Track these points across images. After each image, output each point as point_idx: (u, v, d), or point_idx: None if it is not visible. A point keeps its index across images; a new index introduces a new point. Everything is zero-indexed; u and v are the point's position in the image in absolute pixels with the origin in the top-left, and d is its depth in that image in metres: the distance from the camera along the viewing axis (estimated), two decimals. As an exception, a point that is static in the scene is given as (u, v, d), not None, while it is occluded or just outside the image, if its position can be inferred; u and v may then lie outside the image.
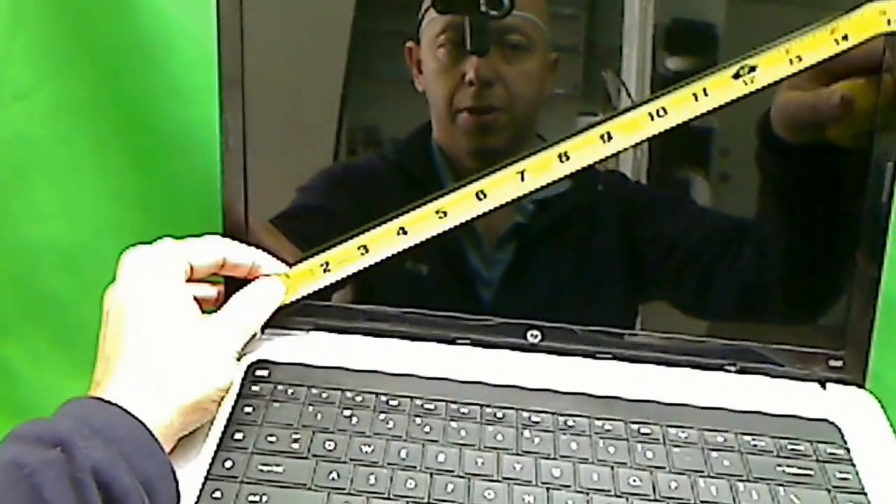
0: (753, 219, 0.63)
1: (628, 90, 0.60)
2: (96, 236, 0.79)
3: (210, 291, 0.63)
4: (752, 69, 0.57)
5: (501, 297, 0.65)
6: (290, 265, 0.63)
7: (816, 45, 0.57)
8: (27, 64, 0.74)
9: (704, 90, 0.58)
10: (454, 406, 0.58)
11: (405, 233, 0.62)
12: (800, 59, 0.57)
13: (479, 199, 0.61)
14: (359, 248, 0.62)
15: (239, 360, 0.59)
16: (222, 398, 0.56)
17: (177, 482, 0.49)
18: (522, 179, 0.60)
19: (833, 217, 0.61)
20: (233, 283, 0.62)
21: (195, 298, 0.58)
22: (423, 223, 0.62)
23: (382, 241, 0.62)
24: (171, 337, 0.54)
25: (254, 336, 0.61)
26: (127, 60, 0.73)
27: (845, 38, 0.56)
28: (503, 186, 0.60)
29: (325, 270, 0.63)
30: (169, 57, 0.73)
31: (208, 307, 0.61)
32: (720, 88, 0.58)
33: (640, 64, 0.60)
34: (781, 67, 0.57)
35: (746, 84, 0.57)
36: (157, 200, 0.78)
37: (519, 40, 0.61)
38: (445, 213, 0.61)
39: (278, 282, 0.62)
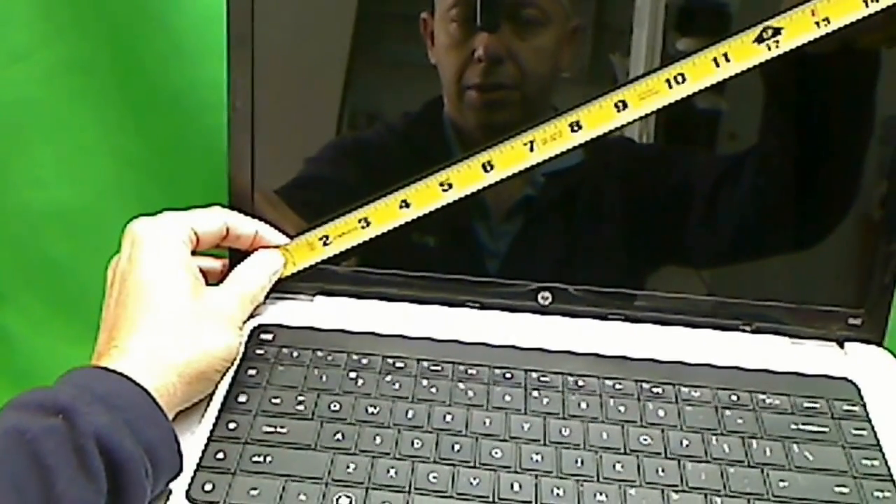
0: (756, 141, 0.61)
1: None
2: (97, 201, 0.78)
3: (215, 264, 0.63)
4: (777, 32, 0.55)
5: (506, 266, 0.64)
6: (292, 237, 0.63)
7: (845, 6, 0.54)
8: (27, 24, 0.73)
9: (725, 55, 0.56)
10: (461, 367, 0.58)
11: (408, 206, 0.61)
12: (827, 21, 0.54)
13: (486, 171, 0.59)
14: (360, 221, 0.61)
15: (241, 329, 0.58)
16: (227, 369, 0.56)
17: (180, 448, 0.49)
18: (532, 150, 0.59)
19: (844, 137, 0.60)
20: (237, 256, 0.62)
21: (200, 270, 0.58)
22: (427, 196, 0.61)
23: (384, 214, 0.61)
24: (175, 307, 0.54)
25: (257, 306, 0.61)
26: (131, 19, 0.72)
27: (876, -1, 0.54)
28: (511, 157, 0.59)
29: (324, 244, 0.62)
30: (175, 15, 0.72)
31: (213, 280, 0.61)
32: (742, 53, 0.56)
33: (650, 45, 0.58)
34: (807, 31, 0.55)
35: (770, 48, 0.55)
36: (161, 164, 0.77)
37: (534, 14, 0.60)
38: (450, 186, 0.60)
39: (278, 254, 0.62)
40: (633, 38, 0.59)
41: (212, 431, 0.53)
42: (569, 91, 0.61)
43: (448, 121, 0.62)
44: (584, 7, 0.60)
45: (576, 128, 0.58)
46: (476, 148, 0.60)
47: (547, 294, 0.63)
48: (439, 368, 0.58)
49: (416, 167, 0.61)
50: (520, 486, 0.50)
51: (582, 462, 0.52)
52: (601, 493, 0.50)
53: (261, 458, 0.51)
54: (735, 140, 0.61)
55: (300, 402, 0.55)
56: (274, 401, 0.55)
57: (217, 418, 0.54)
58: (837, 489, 0.51)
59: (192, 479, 0.50)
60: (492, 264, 0.64)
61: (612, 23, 0.60)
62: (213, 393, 0.55)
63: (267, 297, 0.62)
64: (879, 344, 0.61)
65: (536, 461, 0.52)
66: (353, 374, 0.57)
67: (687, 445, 0.53)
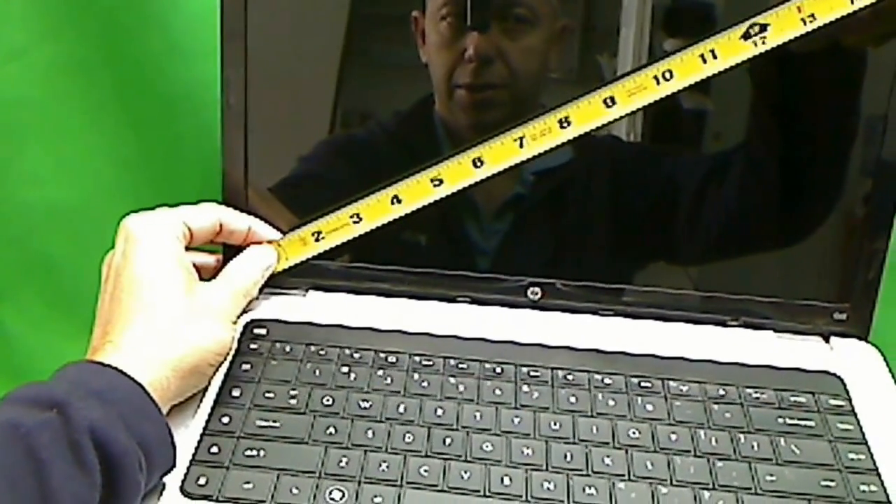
0: (742, 139, 0.61)
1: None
2: (94, 199, 0.79)
3: (208, 259, 0.64)
4: (764, 28, 0.55)
5: (497, 262, 0.65)
6: (285, 233, 0.63)
7: (831, 3, 0.55)
8: (23, 22, 0.73)
9: (713, 52, 0.56)
10: (452, 362, 0.58)
11: (399, 201, 0.61)
12: (813, 17, 0.55)
13: (477, 167, 0.60)
14: (351, 217, 0.62)
15: (235, 322, 0.59)
16: (220, 363, 0.56)
17: (173, 443, 0.49)
18: (521, 146, 0.59)
19: (830, 135, 0.60)
20: (230, 251, 0.63)
21: (194, 265, 0.59)
22: (418, 191, 0.61)
23: (376, 210, 0.62)
24: (168, 302, 0.54)
25: (250, 301, 0.62)
26: (126, 18, 0.72)
27: (861, -5, 0.55)
28: (501, 153, 0.60)
29: (316, 239, 0.63)
30: (170, 14, 0.72)
31: (207, 275, 0.61)
32: (729, 50, 0.56)
33: (638, 45, 0.59)
34: (794, 27, 0.55)
35: (757, 45, 0.56)
36: (157, 162, 0.77)
37: (523, 14, 0.60)
38: (441, 181, 0.61)
39: (271, 249, 0.63)
40: (620, 38, 0.59)
41: (205, 425, 0.53)
42: (557, 91, 0.61)
43: (438, 119, 0.63)
44: (572, 7, 0.61)
45: (565, 124, 0.59)
46: (466, 145, 0.60)
47: (536, 290, 0.64)
48: (431, 363, 0.58)
49: (407, 165, 0.61)
50: (510, 480, 0.51)
51: (571, 456, 0.52)
52: (590, 487, 0.50)
53: (254, 452, 0.52)
54: (720, 139, 0.62)
55: (293, 397, 0.55)
56: (267, 395, 0.55)
57: (211, 412, 0.54)
58: (824, 483, 0.51)
59: (186, 472, 0.51)
60: (482, 261, 0.65)
61: (600, 23, 0.60)
62: (206, 387, 0.56)
63: (260, 292, 0.62)
64: (864, 339, 0.62)
65: (527, 455, 0.52)
66: (345, 369, 0.57)
67: (675, 439, 0.53)
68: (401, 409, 0.55)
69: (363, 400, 0.55)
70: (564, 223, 0.64)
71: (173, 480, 0.50)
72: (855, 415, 0.56)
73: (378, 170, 0.63)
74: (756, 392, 0.57)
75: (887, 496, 0.51)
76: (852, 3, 0.55)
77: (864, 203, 0.60)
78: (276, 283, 0.64)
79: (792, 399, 0.56)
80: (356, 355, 0.59)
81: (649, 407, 0.56)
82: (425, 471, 0.51)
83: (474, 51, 0.60)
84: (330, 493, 0.50)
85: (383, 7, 0.63)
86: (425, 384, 0.57)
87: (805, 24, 0.55)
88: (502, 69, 0.61)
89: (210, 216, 0.60)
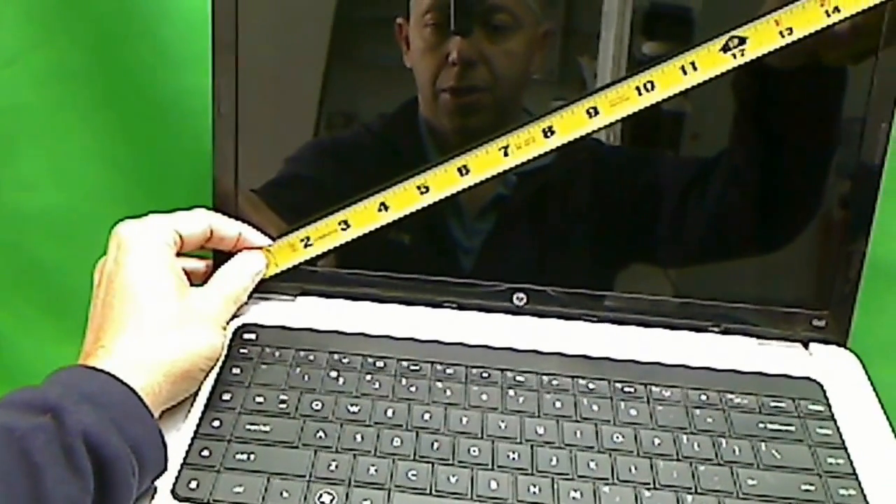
0: (725, 148, 0.62)
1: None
2: (85, 204, 0.79)
3: (199, 265, 0.64)
4: (742, 41, 0.57)
5: (481, 264, 0.65)
6: (274, 239, 0.64)
7: (807, 17, 0.56)
8: (16, 30, 0.73)
9: (693, 63, 0.57)
10: (440, 367, 0.59)
11: (386, 208, 0.62)
12: (790, 31, 0.56)
13: (462, 175, 0.61)
14: (339, 224, 0.63)
15: (224, 328, 0.59)
16: (211, 368, 0.57)
17: (165, 446, 0.50)
18: (506, 155, 0.60)
19: (810, 145, 0.62)
20: (221, 257, 0.63)
21: (185, 271, 0.59)
22: (405, 199, 0.62)
23: (363, 217, 0.62)
24: (159, 307, 0.54)
25: (240, 306, 0.62)
26: (118, 26, 0.73)
27: (836, 10, 0.55)
28: (486, 162, 0.61)
29: (305, 245, 0.63)
30: (161, 23, 0.72)
31: (197, 280, 0.62)
32: (708, 62, 0.57)
33: (618, 48, 0.60)
34: (772, 41, 0.56)
35: (736, 57, 0.57)
36: (148, 168, 0.78)
37: (504, 20, 0.61)
38: (427, 189, 0.61)
39: (260, 255, 0.63)
40: (601, 42, 0.60)
41: (196, 429, 0.54)
42: (539, 93, 0.62)
43: (423, 122, 0.64)
44: (553, 12, 0.62)
45: (549, 133, 0.60)
46: (450, 149, 0.61)
47: (522, 295, 0.65)
48: (418, 368, 0.59)
49: (393, 167, 0.62)
50: (497, 484, 0.51)
51: (556, 460, 0.53)
52: (575, 491, 0.51)
53: (245, 456, 0.52)
54: (701, 146, 0.63)
55: (283, 401, 0.56)
56: (257, 399, 0.56)
57: (202, 416, 0.55)
58: (804, 487, 0.52)
59: (178, 476, 0.51)
60: (467, 262, 0.65)
61: (581, 27, 0.62)
62: (197, 391, 0.56)
63: (250, 297, 0.63)
64: (843, 345, 0.63)
65: (512, 459, 0.53)
66: (334, 374, 0.58)
67: (658, 444, 0.54)
68: (389, 414, 0.55)
69: (352, 404, 0.56)
70: (547, 225, 0.65)
71: (164, 484, 0.51)
72: (834, 420, 0.57)
73: (364, 172, 0.64)
74: (737, 397, 0.58)
75: (865, 500, 0.52)
76: (828, 16, 0.56)
77: (842, 212, 0.61)
78: (266, 288, 0.64)
79: (772, 404, 0.57)
80: (345, 360, 0.59)
81: (633, 412, 0.56)
82: (413, 474, 0.52)
83: (457, 55, 0.61)
84: (319, 496, 0.50)
85: (368, 14, 0.63)
86: (413, 389, 0.57)
87: (783, 37, 0.56)
88: (485, 73, 0.62)
89: (201, 222, 0.60)
